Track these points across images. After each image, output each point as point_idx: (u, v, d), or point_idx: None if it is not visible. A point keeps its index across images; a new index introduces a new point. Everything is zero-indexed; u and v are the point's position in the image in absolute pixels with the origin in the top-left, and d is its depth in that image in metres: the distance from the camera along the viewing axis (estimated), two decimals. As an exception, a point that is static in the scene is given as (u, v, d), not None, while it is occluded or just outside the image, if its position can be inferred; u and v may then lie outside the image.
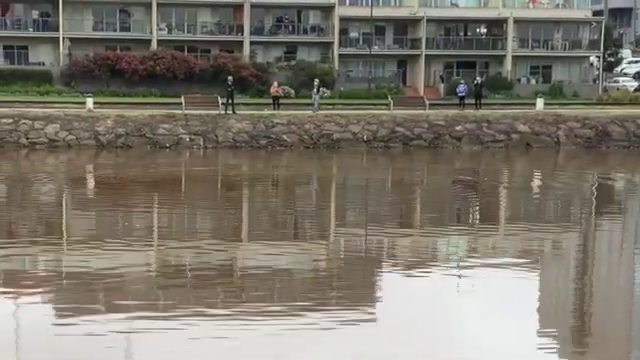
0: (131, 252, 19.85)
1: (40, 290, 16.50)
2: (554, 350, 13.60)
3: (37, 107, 48.51)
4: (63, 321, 14.56)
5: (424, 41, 70.42)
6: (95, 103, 48.41)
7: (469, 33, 74.76)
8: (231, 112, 46.99)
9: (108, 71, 62.82)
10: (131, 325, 13.99)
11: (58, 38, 65.11)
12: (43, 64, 65.65)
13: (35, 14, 66.44)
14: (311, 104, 50.22)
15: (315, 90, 50.57)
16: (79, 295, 16.06)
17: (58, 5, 64.55)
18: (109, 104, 50.99)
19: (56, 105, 50.39)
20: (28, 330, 13.94)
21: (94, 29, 67.24)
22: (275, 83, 53.19)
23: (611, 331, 14.67)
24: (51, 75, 63.64)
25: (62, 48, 65.24)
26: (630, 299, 17.14)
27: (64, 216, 26.39)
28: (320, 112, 48.44)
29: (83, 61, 63.27)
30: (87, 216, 25.95)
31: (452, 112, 49.89)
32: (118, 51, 65.33)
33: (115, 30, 67.42)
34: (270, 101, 51.78)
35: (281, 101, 51.41)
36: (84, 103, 48.40)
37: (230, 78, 49.20)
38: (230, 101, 47.40)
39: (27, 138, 43.85)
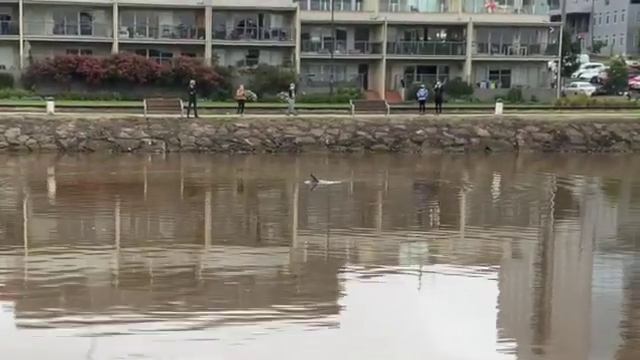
0: (92, 256, 19.78)
1: (1, 295, 16.50)
2: (514, 353, 13.89)
3: (-3, 110, 48.24)
4: (26, 326, 14.61)
5: (385, 45, 70.98)
6: (56, 106, 48.23)
7: (429, 38, 75.49)
8: (193, 116, 47.07)
9: (69, 74, 62.65)
10: (94, 329, 14.02)
11: (18, 41, 64.81)
12: (3, 67, 65.34)
13: (-5, 17, 66.09)
14: (285, 108, 50.84)
15: (289, 94, 51.28)
16: (40, 299, 16.02)
17: (18, 8, 64.22)
18: (70, 107, 50.81)
19: (16, 108, 49.98)
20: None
21: (55, 32, 66.97)
22: (241, 86, 53.26)
23: (570, 333, 14.97)
24: (11, 78, 63.30)
25: (22, 51, 64.92)
26: (588, 300, 17.50)
27: (25, 220, 26.29)
28: (284, 116, 48.86)
29: (44, 64, 63.05)
30: (48, 220, 25.84)
31: (413, 116, 50.35)
32: (79, 54, 65.16)
33: (76, 33, 67.18)
34: (233, 105, 51.92)
35: (245, 105, 51.50)
36: (45, 106, 48.18)
37: (192, 82, 49.27)
38: (192, 105, 47.47)
39: (-13, 142, 43.60)
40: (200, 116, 47.32)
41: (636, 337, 14.73)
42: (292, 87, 52.64)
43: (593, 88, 79.49)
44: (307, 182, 32.52)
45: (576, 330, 15.24)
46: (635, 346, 14.28)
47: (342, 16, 70.17)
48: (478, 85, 73.08)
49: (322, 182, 32.26)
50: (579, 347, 14.40)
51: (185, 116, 47.19)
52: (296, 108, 51.45)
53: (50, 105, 47.79)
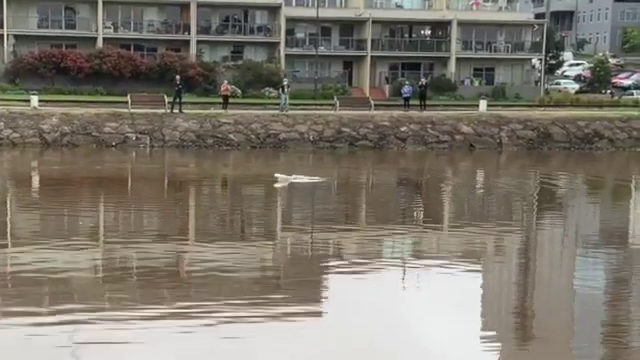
0: (75, 251, 19.81)
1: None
2: (497, 347, 14.02)
3: (-19, 105, 48.07)
4: (6, 322, 14.58)
5: (369, 42, 70.95)
6: (40, 101, 48.14)
7: (414, 35, 75.52)
8: (178, 111, 47.05)
9: (53, 69, 62.38)
10: (77, 326, 14.04)
11: (2, 35, 64.39)
12: (-13, 61, 64.99)
13: (-22, 11, 65.68)
14: (277, 104, 50.85)
15: (282, 90, 51.21)
16: (23, 295, 16.04)
17: (2, 2, 63.88)
18: (54, 102, 50.71)
19: (0, 102, 49.85)
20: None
21: (39, 26, 66.58)
22: (225, 82, 53.33)
23: (553, 328, 15.10)
24: (-5, 72, 63.06)
25: (6, 45, 64.57)
26: (571, 295, 17.67)
27: (8, 215, 26.20)
28: (269, 112, 48.97)
29: (28, 58, 62.74)
30: (31, 215, 25.81)
31: (397, 113, 50.47)
32: (63, 49, 64.88)
33: (61, 27, 66.82)
34: (218, 100, 51.93)
35: (229, 100, 51.52)
36: (29, 101, 48.07)
37: (178, 77, 49.28)
38: (178, 100, 47.45)
39: (-29, 136, 43.48)
40: (184, 111, 47.29)
41: (617, 329, 14.91)
42: (285, 82, 52.53)
43: (577, 86, 79.88)
44: (277, 186, 31.61)
45: (559, 324, 15.38)
46: (616, 336, 14.47)
47: (327, 12, 70.16)
48: (462, 82, 73.15)
49: (299, 180, 31.95)
50: (562, 340, 14.54)
51: (169, 111, 47.16)
52: (269, 104, 51.47)
53: (34, 99, 47.68)
